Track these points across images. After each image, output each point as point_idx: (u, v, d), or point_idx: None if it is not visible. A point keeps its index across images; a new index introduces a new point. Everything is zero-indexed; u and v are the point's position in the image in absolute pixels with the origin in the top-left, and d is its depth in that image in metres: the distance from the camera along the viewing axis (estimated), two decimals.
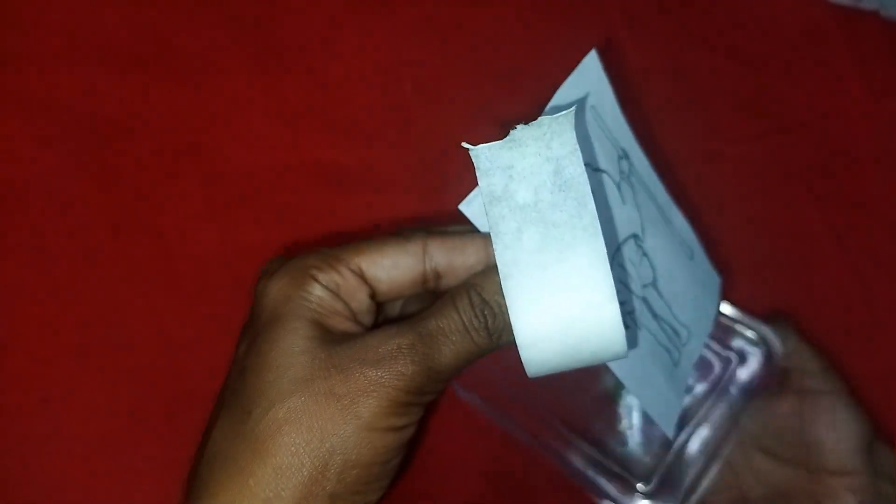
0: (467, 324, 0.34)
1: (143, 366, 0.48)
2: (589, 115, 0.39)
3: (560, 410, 0.49)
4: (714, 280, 0.49)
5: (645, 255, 0.42)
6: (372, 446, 0.33)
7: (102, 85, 0.52)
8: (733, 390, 0.48)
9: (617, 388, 0.49)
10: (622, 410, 0.49)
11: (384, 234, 0.39)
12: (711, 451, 0.47)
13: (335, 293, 0.36)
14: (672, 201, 0.46)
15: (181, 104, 0.53)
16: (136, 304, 0.49)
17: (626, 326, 0.35)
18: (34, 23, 0.52)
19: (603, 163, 0.40)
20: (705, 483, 0.47)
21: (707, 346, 0.49)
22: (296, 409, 0.33)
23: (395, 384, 0.33)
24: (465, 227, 0.39)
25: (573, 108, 0.32)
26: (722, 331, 0.49)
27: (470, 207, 0.36)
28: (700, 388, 0.48)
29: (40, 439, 0.46)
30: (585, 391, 0.50)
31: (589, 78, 0.39)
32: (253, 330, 0.36)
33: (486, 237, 0.38)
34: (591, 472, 0.47)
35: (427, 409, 0.36)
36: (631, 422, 0.49)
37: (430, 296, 0.40)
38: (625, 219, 0.41)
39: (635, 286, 0.41)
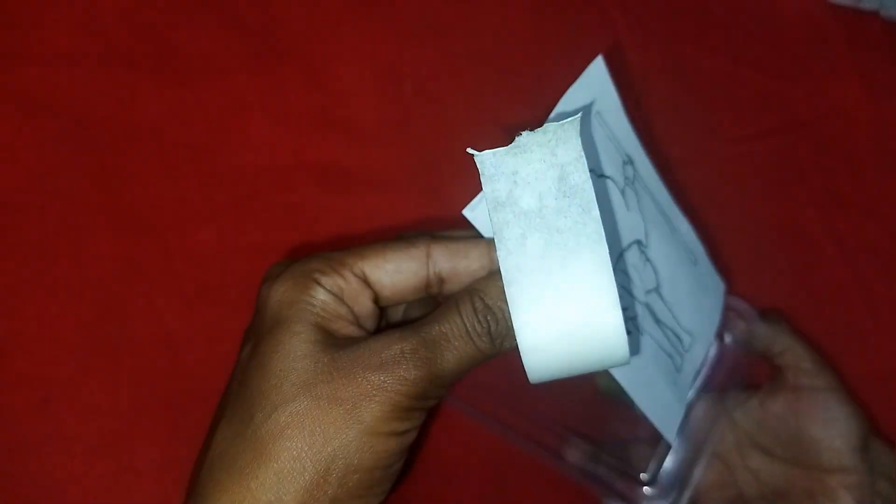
0: (470, 329, 0.34)
1: (143, 366, 0.48)
2: (594, 121, 0.39)
3: (555, 410, 0.49)
4: (718, 286, 0.49)
5: (648, 260, 0.42)
6: (374, 451, 0.33)
7: (102, 85, 0.52)
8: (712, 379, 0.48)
9: (611, 386, 0.50)
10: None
11: (388, 239, 0.39)
12: (700, 440, 0.47)
13: (339, 297, 0.36)
14: (677, 207, 0.46)
15: (181, 104, 0.52)
16: (136, 304, 0.49)
17: (629, 332, 0.35)
18: (34, 23, 0.52)
19: (608, 169, 0.40)
20: (697, 473, 0.47)
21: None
22: (298, 413, 0.33)
23: (398, 389, 0.33)
24: (468, 232, 0.39)
25: (578, 115, 0.32)
26: None
27: (474, 213, 0.36)
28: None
29: (40, 439, 0.46)
30: (580, 388, 0.50)
31: (594, 84, 0.39)
32: (256, 334, 0.36)
33: (490, 242, 0.38)
34: (591, 468, 0.47)
35: (428, 413, 0.36)
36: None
37: (434, 301, 0.40)
38: (629, 225, 0.41)
39: (638, 292, 0.41)
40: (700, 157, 0.57)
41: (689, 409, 0.46)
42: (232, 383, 0.37)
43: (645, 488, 0.46)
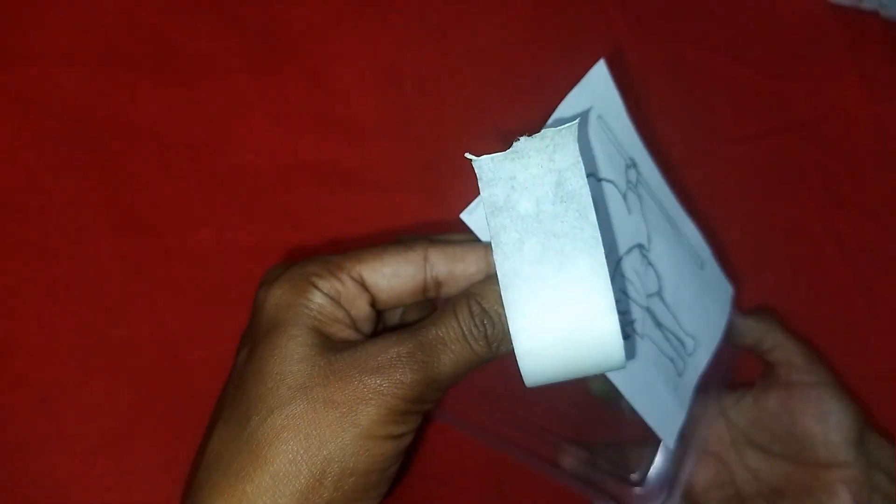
0: (467, 333, 0.34)
1: (143, 366, 0.48)
2: (596, 125, 0.39)
3: (548, 415, 0.49)
4: (726, 290, 0.49)
5: (650, 264, 0.42)
6: (370, 454, 0.33)
7: (102, 85, 0.52)
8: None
9: (603, 389, 0.49)
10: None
11: (385, 242, 0.39)
12: (688, 438, 0.47)
13: (335, 301, 0.36)
14: (683, 210, 0.46)
15: (181, 104, 0.52)
16: (136, 304, 0.49)
17: (626, 336, 0.35)
18: (34, 22, 0.52)
19: (608, 173, 0.40)
20: (687, 470, 0.47)
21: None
22: (294, 416, 0.33)
23: (394, 392, 0.33)
24: (466, 236, 0.39)
25: (576, 120, 0.32)
26: None
27: (472, 217, 0.36)
28: None
29: (40, 439, 0.46)
30: (572, 392, 0.50)
31: (596, 88, 0.39)
32: (253, 337, 0.36)
33: (487, 247, 0.38)
34: (585, 473, 0.47)
35: (424, 416, 0.37)
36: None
37: (430, 304, 0.41)
38: (630, 229, 0.41)
39: (639, 296, 0.41)
40: (700, 157, 0.57)
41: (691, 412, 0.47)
42: (228, 386, 0.37)
43: (635, 489, 0.46)
